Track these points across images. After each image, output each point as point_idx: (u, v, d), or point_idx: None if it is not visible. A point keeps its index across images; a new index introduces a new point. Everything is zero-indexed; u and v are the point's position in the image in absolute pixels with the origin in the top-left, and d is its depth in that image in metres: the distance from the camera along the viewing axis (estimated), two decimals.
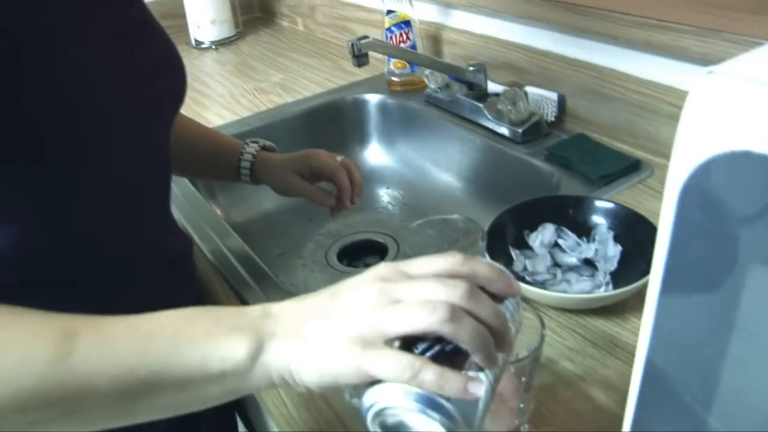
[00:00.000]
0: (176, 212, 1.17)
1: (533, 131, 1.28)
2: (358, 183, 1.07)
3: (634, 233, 0.88)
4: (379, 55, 1.61)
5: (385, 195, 1.51)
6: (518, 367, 0.66)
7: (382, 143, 1.61)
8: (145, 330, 0.52)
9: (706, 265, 0.41)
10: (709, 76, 0.38)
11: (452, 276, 0.52)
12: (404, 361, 0.47)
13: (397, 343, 0.50)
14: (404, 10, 1.53)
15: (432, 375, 0.47)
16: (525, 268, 0.91)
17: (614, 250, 0.90)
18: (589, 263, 0.92)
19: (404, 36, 1.54)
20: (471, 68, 1.34)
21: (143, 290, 0.76)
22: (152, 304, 0.55)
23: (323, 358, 0.50)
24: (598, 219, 0.93)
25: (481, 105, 1.35)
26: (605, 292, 0.86)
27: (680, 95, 1.06)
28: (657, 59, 1.12)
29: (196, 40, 2.12)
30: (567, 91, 1.29)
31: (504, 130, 1.30)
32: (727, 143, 0.36)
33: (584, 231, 0.94)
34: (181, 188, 1.25)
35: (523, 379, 0.66)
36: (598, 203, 0.94)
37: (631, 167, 1.14)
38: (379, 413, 0.50)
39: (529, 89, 1.33)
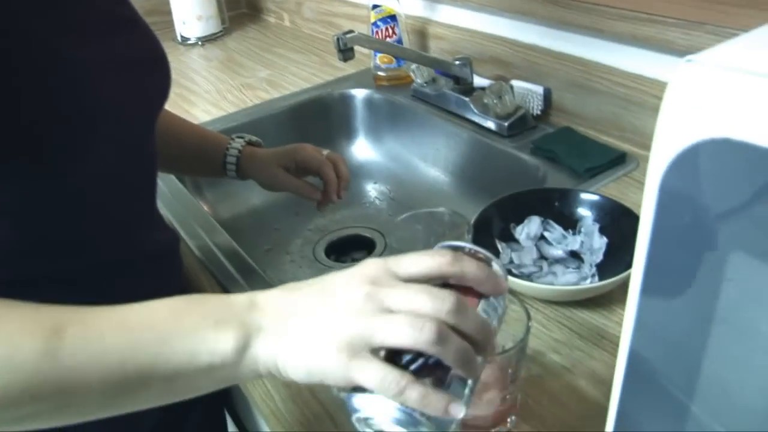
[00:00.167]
0: (163, 209, 1.17)
1: (519, 125, 1.28)
2: (345, 177, 1.07)
3: (620, 225, 0.89)
4: (366, 50, 1.61)
5: (372, 190, 1.51)
6: (504, 359, 0.66)
7: (369, 138, 1.61)
8: (132, 324, 0.52)
9: (689, 255, 0.41)
10: (688, 64, 0.38)
11: (441, 276, 0.52)
12: (390, 376, 0.48)
13: (382, 352, 0.50)
14: (390, 5, 1.53)
15: (416, 394, 0.48)
16: (511, 261, 0.91)
17: (600, 242, 0.90)
18: (575, 255, 0.92)
19: (390, 30, 1.54)
20: (457, 62, 1.34)
21: (129, 285, 0.75)
22: (138, 299, 0.54)
23: (310, 359, 0.50)
24: (583, 211, 0.94)
25: (467, 99, 1.35)
26: (591, 283, 0.87)
27: (665, 88, 1.06)
28: (642, 52, 1.13)
29: (182, 37, 2.11)
30: (553, 85, 1.30)
31: (490, 124, 1.31)
32: (706, 131, 0.36)
33: (570, 223, 0.94)
34: (168, 185, 1.24)
35: (510, 370, 0.66)
36: (584, 196, 0.94)
37: (616, 160, 1.14)
38: (364, 420, 0.51)
39: (515, 83, 1.33)
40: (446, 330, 0.49)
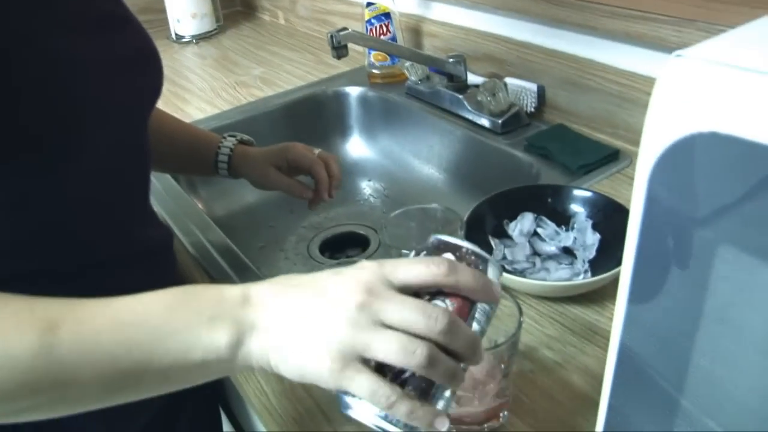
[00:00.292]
0: (157, 206, 1.17)
1: (513, 122, 1.28)
2: (336, 175, 1.07)
3: (613, 222, 0.89)
4: (360, 48, 1.60)
5: (366, 187, 1.51)
6: (496, 354, 0.66)
7: (363, 136, 1.61)
8: (126, 320, 0.52)
9: (677, 247, 0.42)
10: (677, 59, 0.38)
11: (437, 286, 0.53)
12: (381, 391, 0.49)
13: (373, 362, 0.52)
14: (384, 3, 1.53)
15: (404, 408, 0.50)
16: (504, 257, 0.92)
17: (593, 239, 0.91)
18: (568, 252, 0.93)
19: (384, 28, 1.54)
20: (451, 60, 1.35)
21: (123, 281, 0.75)
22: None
23: (303, 363, 0.51)
24: (576, 208, 0.94)
25: (461, 96, 1.35)
26: (583, 279, 0.87)
27: None
28: (635, 49, 1.13)
29: (176, 35, 2.11)
30: (546, 82, 1.30)
31: (484, 121, 1.31)
32: (694, 125, 0.36)
33: (563, 220, 0.94)
34: (162, 182, 1.24)
35: (502, 366, 0.67)
36: (577, 192, 0.95)
37: (610, 157, 1.14)
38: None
39: (509, 80, 1.33)
40: (436, 353, 0.50)
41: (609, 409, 0.56)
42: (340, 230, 1.38)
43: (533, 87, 1.30)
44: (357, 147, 1.61)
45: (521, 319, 0.67)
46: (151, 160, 0.82)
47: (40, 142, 0.61)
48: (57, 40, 0.62)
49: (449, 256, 0.56)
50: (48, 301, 0.52)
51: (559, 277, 0.89)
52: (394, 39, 1.55)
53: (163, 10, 2.08)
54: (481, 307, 0.55)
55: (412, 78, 1.47)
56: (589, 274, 0.88)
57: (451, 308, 0.53)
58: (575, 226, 0.93)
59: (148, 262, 0.81)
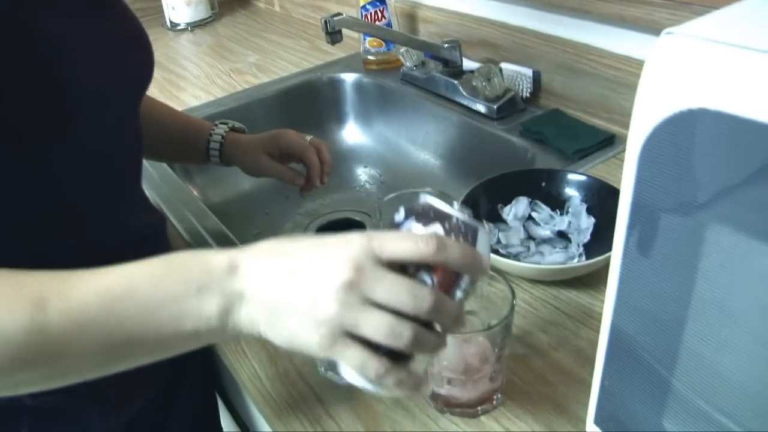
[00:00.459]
0: (153, 193, 1.17)
1: (508, 107, 1.28)
2: (328, 162, 1.06)
3: (607, 205, 0.89)
4: (355, 35, 1.60)
5: (362, 174, 1.51)
6: (489, 337, 0.66)
7: (358, 122, 1.60)
8: (115, 294, 0.52)
9: (668, 228, 0.42)
10: (667, 37, 0.38)
11: (425, 263, 0.53)
12: (370, 363, 0.51)
13: None
14: None
15: (393, 379, 0.52)
16: (499, 241, 0.92)
17: (587, 222, 0.90)
18: (562, 236, 0.93)
19: (379, 14, 1.53)
20: (446, 45, 1.34)
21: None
22: None
23: (293, 335, 0.52)
24: (571, 192, 0.94)
25: (456, 82, 1.35)
26: (578, 263, 0.87)
27: None
28: (630, 33, 1.12)
29: (171, 22, 2.10)
30: (542, 67, 1.30)
31: (479, 107, 1.31)
32: (684, 102, 0.36)
33: (558, 204, 0.94)
34: (157, 170, 1.24)
35: (495, 349, 0.67)
36: (571, 176, 0.94)
37: (605, 141, 1.14)
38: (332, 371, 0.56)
39: (504, 65, 1.33)
40: (421, 333, 0.52)
41: (601, 390, 0.56)
42: (335, 216, 1.37)
43: (528, 72, 1.29)
44: (352, 133, 1.60)
45: (514, 302, 0.67)
46: (143, 145, 0.81)
47: (27, 125, 0.61)
48: (43, 22, 0.62)
49: (438, 225, 0.55)
50: (34, 276, 0.52)
51: (553, 260, 0.89)
52: (389, 25, 1.55)
53: None
54: (466, 277, 0.56)
55: (408, 64, 1.47)
56: (584, 257, 0.88)
57: (436, 281, 0.53)
58: (570, 210, 0.93)
59: (141, 247, 0.80)
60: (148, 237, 0.83)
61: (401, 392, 0.54)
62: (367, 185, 1.48)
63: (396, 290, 0.51)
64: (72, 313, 0.51)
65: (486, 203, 0.94)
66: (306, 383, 0.76)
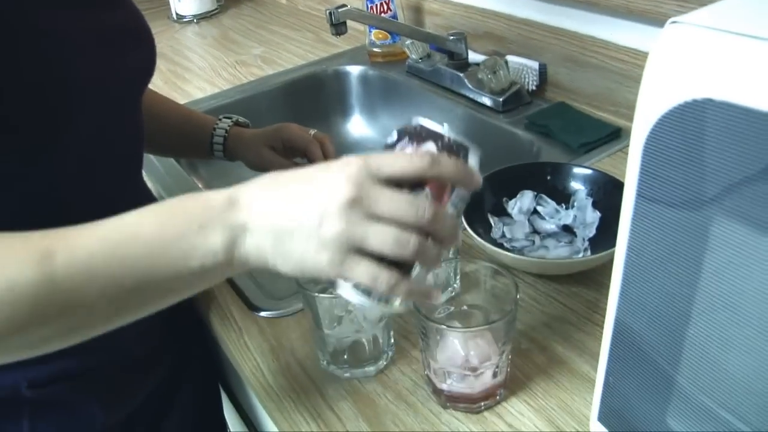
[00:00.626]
0: (157, 186, 1.17)
1: (514, 100, 1.27)
2: (331, 155, 1.06)
3: (613, 199, 0.87)
4: (361, 27, 1.59)
5: None
6: (493, 331, 0.66)
7: (363, 114, 1.60)
8: (119, 240, 0.53)
9: (672, 220, 0.41)
10: (672, 26, 0.37)
11: (421, 178, 0.55)
12: (382, 276, 0.53)
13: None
14: None
15: (404, 289, 0.54)
16: (503, 235, 0.91)
17: (593, 217, 0.90)
18: (567, 230, 0.92)
19: (385, 6, 1.52)
20: (451, 38, 1.33)
21: None
22: None
23: (302, 259, 0.53)
24: (577, 185, 0.93)
25: (461, 75, 1.34)
26: (583, 257, 0.86)
27: None
28: (637, 26, 1.11)
29: (177, 14, 2.09)
30: (548, 60, 1.29)
31: (485, 100, 1.30)
32: (689, 92, 0.36)
33: (563, 198, 0.94)
34: (162, 162, 1.24)
35: (499, 343, 0.66)
36: (577, 170, 0.94)
37: (611, 135, 1.13)
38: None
39: (510, 58, 1.32)
40: (424, 243, 0.54)
41: (605, 387, 0.55)
42: None
43: (534, 65, 1.28)
44: (358, 126, 1.60)
45: (518, 296, 0.66)
46: (144, 139, 0.81)
47: (26, 119, 0.60)
48: (44, 15, 0.61)
49: (431, 144, 0.58)
50: (38, 233, 0.52)
51: (558, 255, 0.88)
52: (394, 17, 1.54)
53: None
54: (458, 193, 0.58)
55: (413, 56, 1.46)
56: (589, 252, 0.88)
57: (431, 196, 0.56)
58: (575, 204, 0.92)
59: None
60: None
61: (409, 302, 0.57)
62: None
63: (397, 203, 0.53)
64: (79, 261, 0.51)
65: (491, 197, 0.94)
66: (308, 377, 0.75)
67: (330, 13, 1.21)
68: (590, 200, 0.91)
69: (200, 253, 0.52)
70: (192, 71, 1.70)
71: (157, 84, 1.58)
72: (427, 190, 0.56)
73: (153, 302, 0.55)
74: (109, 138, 0.71)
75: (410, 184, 0.55)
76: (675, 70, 0.36)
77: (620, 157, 1.09)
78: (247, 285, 0.91)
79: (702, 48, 0.35)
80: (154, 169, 1.22)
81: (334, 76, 1.60)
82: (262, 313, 0.85)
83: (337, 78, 1.60)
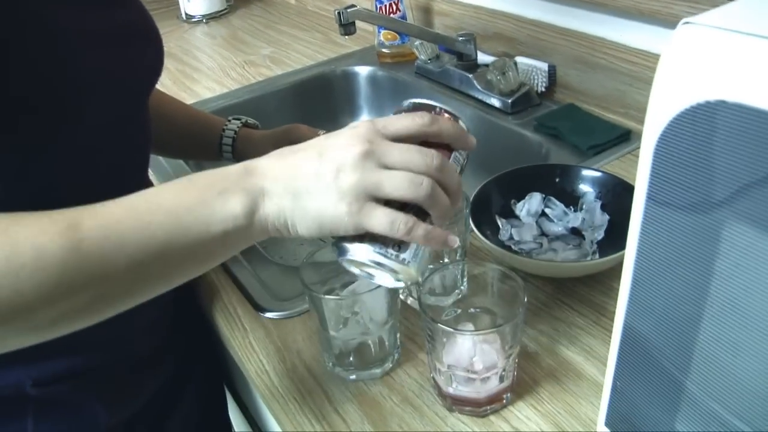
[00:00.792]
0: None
1: (523, 102, 1.26)
2: None
3: (622, 202, 0.87)
4: (370, 28, 1.59)
5: None
6: (500, 334, 0.65)
7: (372, 115, 1.59)
8: (143, 208, 0.54)
9: (683, 223, 0.40)
10: (685, 26, 0.37)
11: (423, 135, 0.59)
12: (399, 219, 0.55)
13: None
14: None
15: (422, 231, 0.57)
16: (511, 237, 0.90)
17: (601, 219, 0.89)
18: (576, 232, 0.91)
19: (394, 6, 1.52)
20: (461, 38, 1.33)
21: None
22: None
23: (320, 213, 0.55)
24: (585, 188, 0.92)
25: (470, 76, 1.34)
26: (591, 260, 0.86)
27: None
28: (648, 27, 1.11)
29: (186, 14, 2.10)
30: (557, 61, 1.28)
31: (494, 101, 1.29)
32: (702, 93, 0.35)
33: (572, 200, 0.93)
34: (170, 162, 1.24)
35: (506, 346, 0.66)
36: (586, 172, 0.93)
37: (621, 137, 1.13)
38: (351, 260, 0.60)
39: (519, 59, 1.31)
40: (437, 187, 0.57)
41: (613, 391, 0.55)
42: None
43: (544, 66, 1.28)
44: None
45: (525, 299, 0.66)
46: (151, 139, 0.80)
47: (34, 114, 0.60)
48: (52, 11, 0.61)
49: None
50: (63, 210, 0.53)
51: (566, 258, 0.87)
52: (403, 17, 1.54)
53: None
54: (455, 155, 0.63)
55: (422, 57, 1.45)
56: (597, 255, 0.87)
57: None
58: (584, 206, 0.92)
59: None
60: None
61: (421, 267, 0.59)
62: None
63: (407, 153, 0.57)
64: (104, 229, 0.52)
65: (499, 198, 0.93)
66: (314, 378, 0.75)
67: (339, 14, 1.21)
68: (599, 203, 0.90)
69: (220, 217, 0.54)
70: (201, 71, 1.70)
71: (165, 84, 1.58)
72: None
73: (177, 272, 0.57)
74: (115, 136, 0.71)
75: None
76: (687, 72, 0.36)
77: (630, 160, 1.08)
78: (253, 285, 0.90)
79: (715, 49, 0.35)
80: (161, 168, 1.22)
81: (342, 76, 1.60)
82: (268, 314, 0.85)
83: (346, 78, 1.60)
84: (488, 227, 0.89)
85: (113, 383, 0.78)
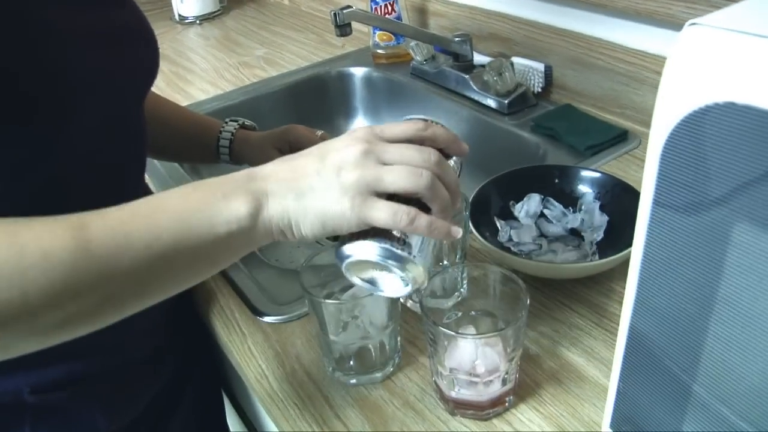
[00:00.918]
0: (160, 189, 1.16)
1: (520, 102, 1.26)
2: None
3: (621, 202, 0.87)
4: (365, 29, 1.58)
5: None
6: (502, 338, 0.65)
7: (367, 117, 1.59)
8: (148, 211, 0.55)
9: (690, 225, 0.40)
10: (692, 27, 0.36)
11: (418, 139, 0.61)
12: (401, 209, 0.56)
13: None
14: None
15: (425, 221, 0.57)
16: (510, 239, 0.90)
17: (601, 220, 0.89)
18: (575, 233, 0.91)
19: (389, 8, 1.52)
20: (456, 39, 1.32)
21: None
22: None
23: (326, 211, 0.56)
24: (584, 188, 0.92)
25: (467, 76, 1.33)
26: (591, 261, 0.85)
27: None
28: (645, 27, 1.11)
29: (179, 15, 2.09)
30: (554, 62, 1.28)
31: (490, 102, 1.29)
32: (710, 95, 0.35)
33: (570, 201, 0.93)
34: (165, 166, 1.23)
35: (507, 349, 0.65)
36: (584, 173, 0.93)
37: (618, 137, 1.13)
38: (353, 264, 0.60)
39: (516, 60, 1.31)
40: (436, 179, 0.58)
41: (618, 393, 0.54)
42: None
43: (540, 66, 1.27)
44: None
45: (526, 302, 0.65)
46: (146, 141, 0.80)
47: (30, 114, 0.60)
48: (47, 11, 0.61)
49: None
50: (68, 214, 0.53)
51: (566, 259, 0.87)
52: (399, 18, 1.53)
53: None
54: (452, 162, 0.66)
55: (417, 58, 1.45)
56: (597, 256, 0.87)
57: None
58: (583, 207, 0.91)
59: None
60: None
61: (427, 263, 0.60)
62: None
63: (405, 150, 0.59)
64: (112, 230, 0.52)
65: (497, 200, 0.93)
66: (314, 383, 0.74)
67: (335, 15, 1.20)
68: (598, 203, 0.90)
69: (225, 218, 0.55)
70: (195, 73, 1.69)
71: (159, 86, 1.57)
72: None
73: (181, 275, 0.57)
74: (111, 138, 0.71)
75: None
76: (695, 73, 0.36)
77: (627, 160, 1.08)
78: (251, 289, 0.90)
79: (723, 50, 0.34)
80: (156, 171, 1.21)
81: (337, 77, 1.59)
82: (267, 318, 0.84)
83: (341, 80, 1.59)
84: (487, 229, 0.89)
85: (112, 389, 0.78)
